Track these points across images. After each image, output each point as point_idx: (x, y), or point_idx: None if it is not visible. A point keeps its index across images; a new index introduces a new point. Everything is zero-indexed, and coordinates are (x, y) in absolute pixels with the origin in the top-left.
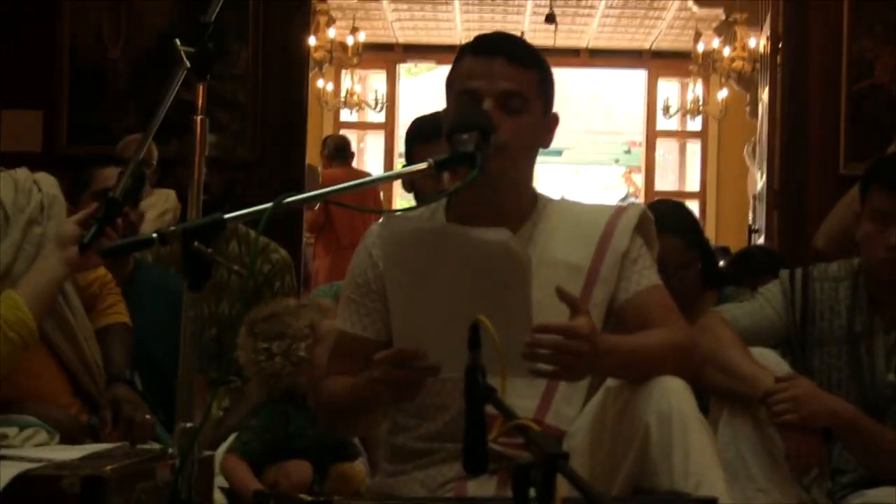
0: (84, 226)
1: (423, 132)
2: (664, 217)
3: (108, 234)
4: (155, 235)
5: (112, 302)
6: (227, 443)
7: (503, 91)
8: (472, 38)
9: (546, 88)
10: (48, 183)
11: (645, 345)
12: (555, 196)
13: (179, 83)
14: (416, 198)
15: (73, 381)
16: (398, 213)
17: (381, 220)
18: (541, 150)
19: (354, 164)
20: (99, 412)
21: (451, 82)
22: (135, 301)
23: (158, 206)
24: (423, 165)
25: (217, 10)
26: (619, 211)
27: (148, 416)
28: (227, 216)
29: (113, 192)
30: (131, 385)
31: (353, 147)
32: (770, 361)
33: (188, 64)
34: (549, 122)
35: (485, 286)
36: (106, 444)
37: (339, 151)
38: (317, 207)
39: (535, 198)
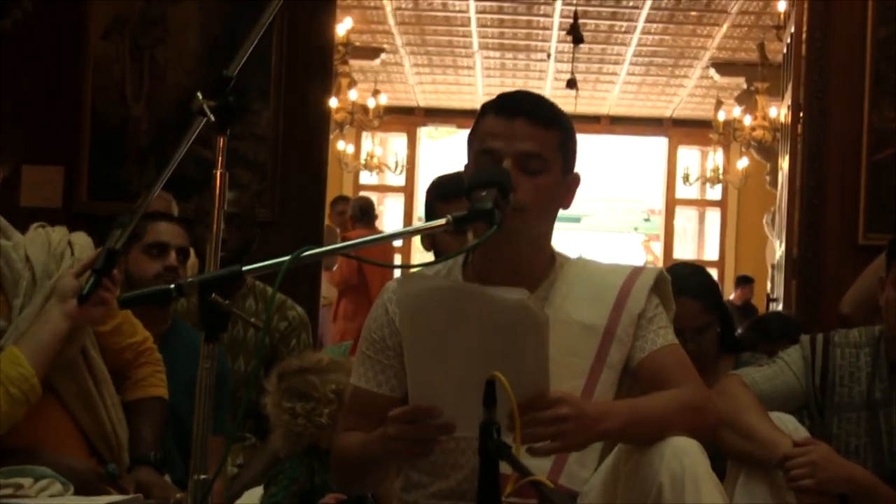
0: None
1: (444, 191)
2: (682, 280)
3: (105, 286)
4: (172, 287)
5: (148, 373)
6: (240, 499)
7: (522, 152)
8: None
9: (567, 149)
10: (82, 245)
11: (651, 406)
12: (573, 255)
13: (196, 132)
14: (436, 256)
15: (90, 445)
16: (415, 269)
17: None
18: (560, 216)
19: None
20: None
21: (472, 140)
22: (168, 358)
23: None
24: (441, 221)
25: (240, 65)
26: (635, 271)
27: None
28: (245, 268)
29: (113, 242)
30: (157, 467)
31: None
32: (788, 426)
33: (211, 116)
34: (569, 183)
35: (501, 345)
36: (121, 496)
37: (364, 213)
38: (339, 265)
39: (553, 257)
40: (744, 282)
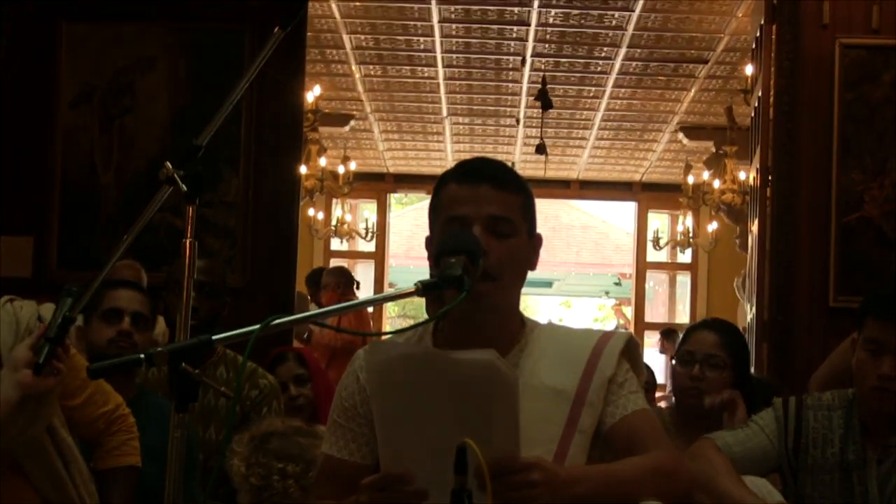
0: (36, 349)
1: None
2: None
3: (59, 356)
4: (142, 356)
5: (120, 441)
6: None
7: (491, 216)
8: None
9: (530, 211)
10: (27, 313)
11: (622, 470)
12: (542, 320)
13: (161, 202)
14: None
15: None
16: (385, 336)
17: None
18: (531, 280)
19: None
20: None
21: (435, 209)
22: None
23: None
24: (410, 288)
25: (211, 134)
26: (605, 336)
27: None
28: (215, 337)
29: (68, 311)
30: None
31: None
32: (762, 490)
33: (182, 185)
34: (534, 244)
35: (472, 408)
36: None
37: (350, 282)
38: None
39: (523, 322)
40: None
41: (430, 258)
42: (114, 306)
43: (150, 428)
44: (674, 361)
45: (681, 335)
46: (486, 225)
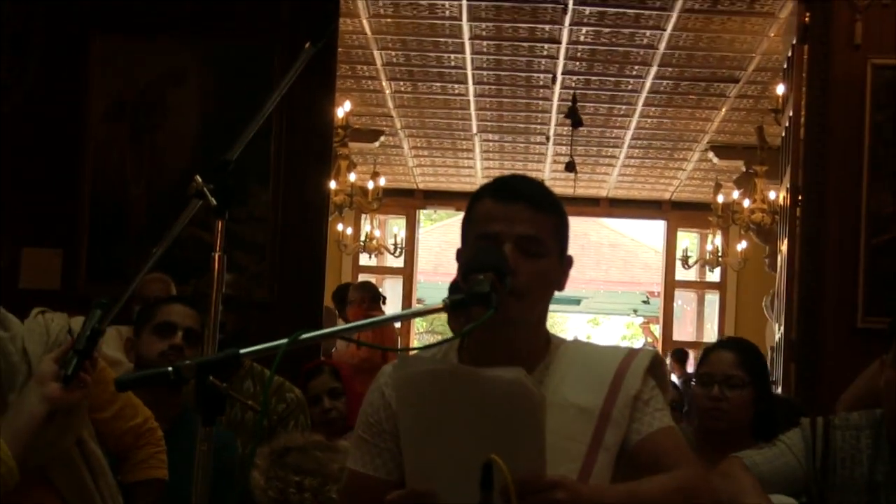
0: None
1: None
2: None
3: (85, 368)
4: (170, 369)
5: (148, 454)
6: None
7: (523, 235)
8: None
9: (563, 232)
10: (57, 325)
11: (647, 490)
12: (568, 338)
13: (191, 215)
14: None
15: None
16: (411, 352)
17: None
18: (560, 298)
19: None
20: None
21: (468, 224)
22: (176, 444)
23: None
24: (439, 305)
25: (241, 149)
26: (631, 353)
27: None
28: (242, 351)
29: (97, 324)
30: None
31: None
32: None
33: (212, 199)
34: (564, 266)
35: (498, 425)
36: None
37: (376, 298)
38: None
39: (548, 339)
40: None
41: (458, 270)
42: (167, 320)
43: (190, 448)
44: (693, 383)
45: (691, 355)
46: (517, 244)
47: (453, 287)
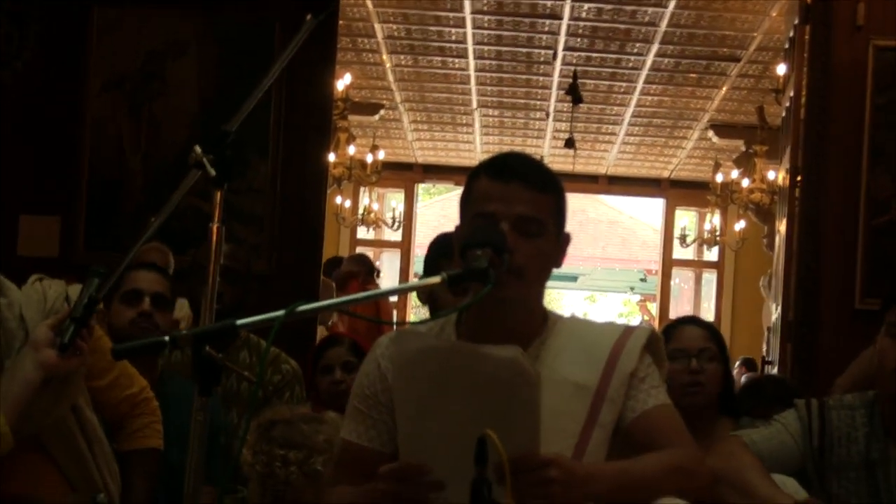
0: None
1: (447, 247)
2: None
3: (82, 336)
4: (166, 339)
5: (144, 423)
6: None
7: (520, 215)
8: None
9: (561, 210)
10: (55, 292)
11: (641, 468)
12: (565, 314)
13: (190, 185)
14: (432, 311)
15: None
16: (408, 326)
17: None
18: (557, 275)
19: (380, 282)
20: None
21: (466, 202)
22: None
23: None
24: (436, 279)
25: (241, 120)
26: (627, 331)
27: None
28: (239, 322)
29: (94, 292)
30: None
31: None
32: (789, 489)
33: (211, 170)
34: (562, 243)
35: (493, 403)
36: None
37: (371, 271)
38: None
39: (546, 316)
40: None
41: (456, 249)
42: (134, 287)
43: (172, 410)
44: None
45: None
46: (514, 224)
47: (435, 245)
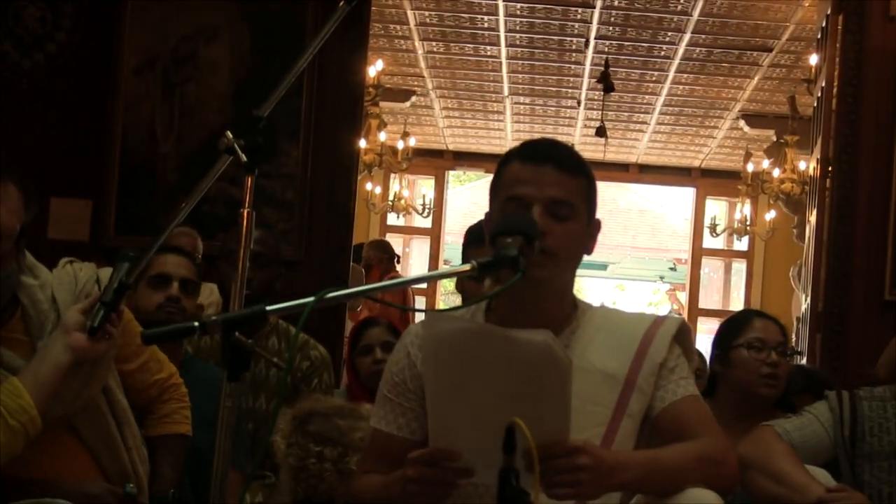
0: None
1: (478, 235)
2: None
3: (111, 321)
4: (196, 324)
5: (172, 409)
6: None
7: (552, 198)
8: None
9: (591, 196)
10: (85, 275)
11: (669, 458)
12: (595, 303)
13: (220, 171)
14: (463, 300)
15: (109, 483)
16: (439, 313)
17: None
18: (586, 263)
19: (399, 269)
20: None
21: (497, 187)
22: None
23: (202, 300)
24: (466, 267)
25: (272, 105)
26: (658, 321)
27: None
28: (268, 308)
29: (123, 276)
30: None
31: (398, 252)
32: (821, 479)
33: (242, 155)
34: (592, 229)
35: (523, 388)
36: None
37: (393, 257)
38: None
39: (576, 304)
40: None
41: (487, 234)
42: (162, 272)
43: (197, 395)
44: (739, 348)
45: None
46: (545, 207)
47: (467, 233)
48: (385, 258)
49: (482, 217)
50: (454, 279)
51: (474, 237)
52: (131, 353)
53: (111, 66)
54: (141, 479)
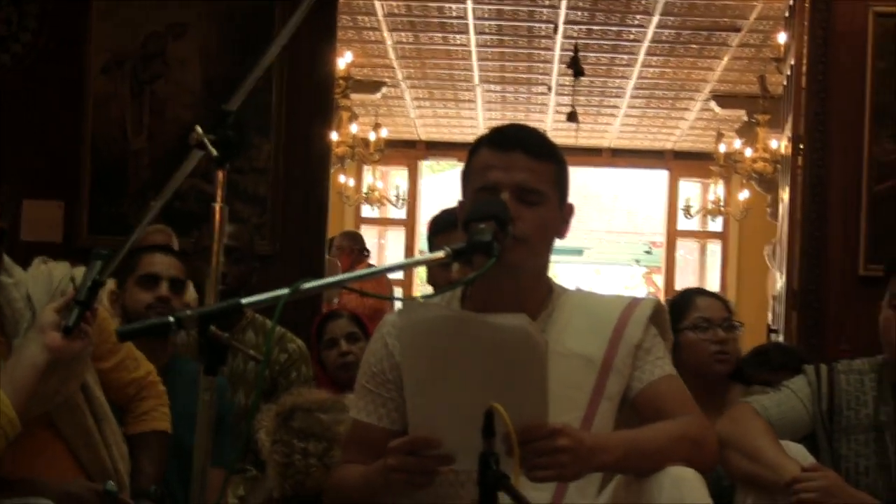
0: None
1: (443, 223)
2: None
3: (86, 319)
4: (172, 319)
5: (151, 406)
6: None
7: (521, 184)
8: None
9: (562, 180)
10: (60, 273)
11: (649, 438)
12: (570, 287)
13: (191, 167)
14: (435, 291)
15: (90, 480)
16: (416, 301)
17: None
18: (562, 249)
19: (374, 260)
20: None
21: (467, 175)
22: (169, 391)
23: None
24: (440, 254)
25: (241, 99)
26: (633, 302)
27: None
28: (244, 301)
29: (98, 275)
30: (157, 501)
31: (374, 243)
32: (798, 455)
33: (212, 150)
34: (564, 213)
35: (501, 373)
36: None
37: (363, 248)
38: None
39: (550, 288)
40: None
41: (460, 221)
42: (151, 272)
43: (183, 394)
44: (684, 330)
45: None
46: (515, 193)
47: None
48: (356, 249)
49: (448, 206)
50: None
51: (439, 226)
52: (107, 351)
53: (79, 65)
54: (121, 476)
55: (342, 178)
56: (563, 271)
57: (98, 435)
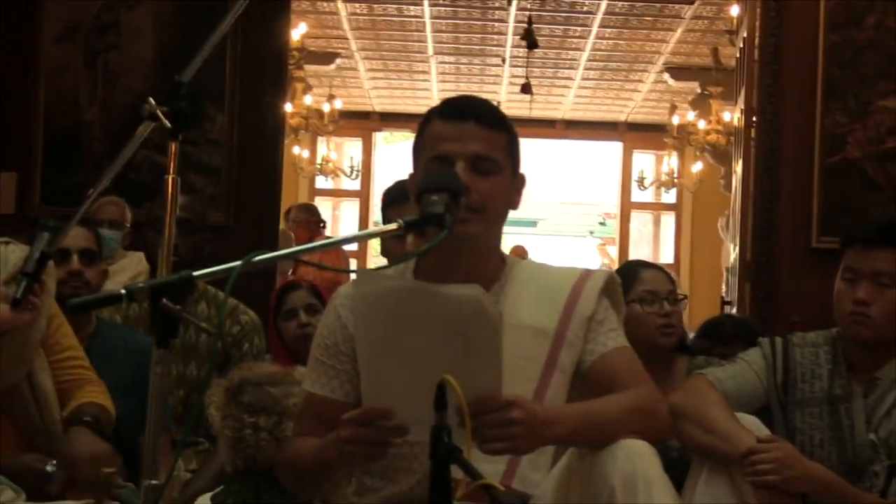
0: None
1: (396, 195)
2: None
3: (34, 291)
4: (123, 292)
5: (94, 391)
6: None
7: (475, 154)
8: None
9: (514, 150)
10: (17, 257)
11: (602, 409)
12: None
13: (142, 138)
14: (389, 263)
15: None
16: (369, 272)
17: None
18: (516, 220)
19: (329, 232)
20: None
21: (419, 146)
22: (97, 359)
23: (131, 269)
24: (393, 226)
25: (194, 70)
26: (585, 274)
27: (109, 470)
28: (196, 273)
29: (46, 246)
30: (96, 430)
31: (328, 215)
32: (753, 427)
33: (165, 121)
34: (517, 184)
35: (455, 344)
36: (71, 502)
37: (319, 221)
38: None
39: (503, 260)
40: None
41: (412, 193)
42: (59, 247)
43: (114, 361)
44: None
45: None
46: (469, 163)
47: (384, 195)
48: (312, 221)
49: (402, 178)
50: (381, 244)
51: (393, 198)
52: (56, 342)
53: (31, 35)
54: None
55: (296, 150)
56: (517, 243)
57: (39, 420)
